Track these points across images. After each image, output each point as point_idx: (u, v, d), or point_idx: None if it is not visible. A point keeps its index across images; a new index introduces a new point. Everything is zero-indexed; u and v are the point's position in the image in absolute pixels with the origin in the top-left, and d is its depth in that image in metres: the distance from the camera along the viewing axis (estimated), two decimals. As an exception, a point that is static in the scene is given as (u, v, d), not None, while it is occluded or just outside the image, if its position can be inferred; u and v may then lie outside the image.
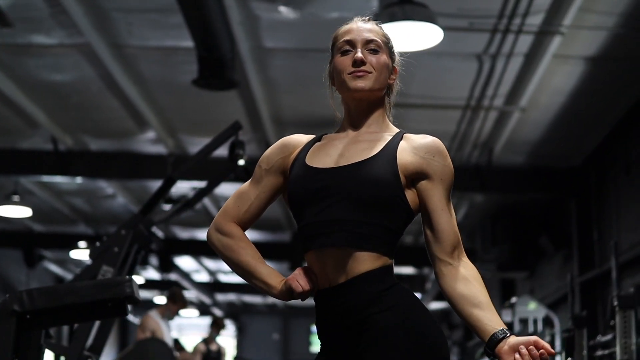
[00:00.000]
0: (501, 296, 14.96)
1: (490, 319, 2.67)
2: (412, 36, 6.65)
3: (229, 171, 6.30)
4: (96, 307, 3.23)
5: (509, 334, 2.63)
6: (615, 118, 9.77)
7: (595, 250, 10.90)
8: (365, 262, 2.72)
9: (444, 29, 6.81)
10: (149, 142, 11.27)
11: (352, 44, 2.87)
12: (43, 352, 3.35)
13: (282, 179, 2.93)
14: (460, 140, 10.78)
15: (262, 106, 9.72)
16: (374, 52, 2.87)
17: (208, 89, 7.97)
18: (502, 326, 2.66)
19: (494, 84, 8.98)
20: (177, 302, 10.08)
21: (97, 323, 5.50)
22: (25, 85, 9.39)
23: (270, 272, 2.84)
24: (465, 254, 2.80)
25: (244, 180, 6.32)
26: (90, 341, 5.47)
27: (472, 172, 11.30)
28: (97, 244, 5.56)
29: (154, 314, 9.73)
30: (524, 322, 10.57)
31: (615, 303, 5.82)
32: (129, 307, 3.30)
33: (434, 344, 2.71)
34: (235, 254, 2.89)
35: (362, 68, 2.84)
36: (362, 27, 2.91)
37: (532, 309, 10.57)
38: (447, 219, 2.78)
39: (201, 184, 7.59)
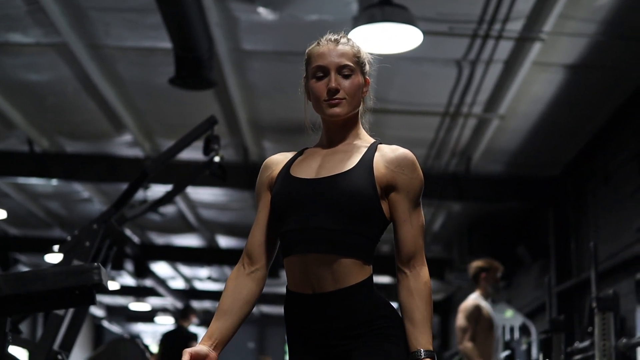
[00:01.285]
0: (478, 306, 14.90)
1: (416, 337, 2.85)
2: (392, 38, 6.65)
3: (203, 167, 6.19)
4: (63, 295, 3.19)
5: (423, 356, 2.83)
6: (594, 127, 9.75)
7: (572, 260, 10.89)
8: (351, 271, 2.87)
9: (424, 33, 6.79)
10: (125, 145, 11.20)
11: (325, 70, 3.01)
12: (8, 341, 3.29)
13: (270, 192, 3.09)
14: (438, 147, 10.74)
15: (239, 110, 9.66)
16: (347, 76, 3.01)
17: (185, 88, 7.89)
18: (427, 347, 2.84)
19: (473, 90, 8.95)
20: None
21: (67, 319, 5.42)
22: (1, 85, 9.30)
23: (210, 332, 2.99)
24: (423, 266, 2.94)
25: (220, 178, 6.26)
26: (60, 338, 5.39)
27: (450, 181, 11.28)
28: (68, 238, 5.47)
29: None
30: (500, 329, 10.54)
31: (594, 305, 5.81)
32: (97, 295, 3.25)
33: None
34: (222, 296, 3.13)
35: (336, 96, 2.99)
36: (334, 51, 3.02)
37: (509, 316, 10.56)
38: (408, 230, 2.94)
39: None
